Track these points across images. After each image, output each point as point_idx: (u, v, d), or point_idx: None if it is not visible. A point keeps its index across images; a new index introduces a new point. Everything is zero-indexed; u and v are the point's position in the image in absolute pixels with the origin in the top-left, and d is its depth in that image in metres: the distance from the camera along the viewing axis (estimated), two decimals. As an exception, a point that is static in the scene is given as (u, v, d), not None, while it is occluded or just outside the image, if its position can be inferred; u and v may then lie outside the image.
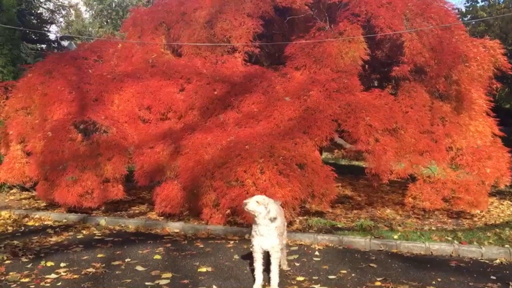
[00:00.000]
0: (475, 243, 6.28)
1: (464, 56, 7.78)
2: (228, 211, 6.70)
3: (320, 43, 7.97)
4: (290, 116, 7.27)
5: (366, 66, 8.49)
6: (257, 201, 4.52)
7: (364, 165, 12.79)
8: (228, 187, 6.62)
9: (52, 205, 8.28)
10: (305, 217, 7.46)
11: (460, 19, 17.47)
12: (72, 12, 37.99)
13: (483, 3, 18.20)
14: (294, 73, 7.88)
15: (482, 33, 14.94)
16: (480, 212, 8.05)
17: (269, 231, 4.53)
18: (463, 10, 18.51)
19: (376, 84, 10.75)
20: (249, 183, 6.50)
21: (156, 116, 7.89)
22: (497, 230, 6.96)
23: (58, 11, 32.76)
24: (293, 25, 9.84)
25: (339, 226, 7.21)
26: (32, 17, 20.76)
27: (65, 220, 7.59)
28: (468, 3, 18.28)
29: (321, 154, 9.18)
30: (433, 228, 7.22)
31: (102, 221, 7.37)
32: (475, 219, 7.86)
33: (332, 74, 7.67)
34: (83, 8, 42.99)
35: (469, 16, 17.98)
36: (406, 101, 7.86)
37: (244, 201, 4.57)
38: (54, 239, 6.53)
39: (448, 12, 8.44)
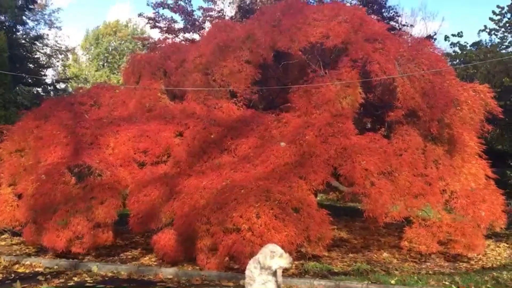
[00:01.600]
0: (472, 287, 6.19)
1: (456, 100, 7.93)
2: (227, 258, 6.62)
3: (319, 88, 8.09)
4: (286, 161, 7.29)
5: (360, 109, 8.59)
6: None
7: (359, 207, 12.77)
8: (224, 233, 6.55)
9: (43, 251, 8.12)
10: (301, 262, 7.35)
11: (450, 63, 17.93)
12: (70, 56, 38.58)
13: (471, 48, 18.67)
14: (290, 117, 7.96)
15: (471, 76, 15.28)
16: (477, 255, 7.99)
17: (267, 279, 4.39)
18: (453, 53, 18.98)
19: (369, 126, 10.88)
20: (245, 228, 6.45)
21: (152, 159, 7.90)
22: (495, 273, 6.88)
23: (55, 55, 33.32)
24: (287, 70, 10.04)
25: (336, 270, 7.11)
26: (29, 61, 21.04)
27: (56, 267, 7.42)
28: (456, 47, 18.75)
29: (316, 196, 9.17)
30: (430, 272, 7.15)
31: (94, 267, 7.21)
32: (472, 262, 7.80)
33: (329, 118, 7.75)
34: (80, 52, 43.85)
35: (458, 60, 18.41)
36: (400, 144, 7.93)
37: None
38: (44, 286, 6.36)
39: (438, 57, 8.66)
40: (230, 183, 6.88)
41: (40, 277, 6.79)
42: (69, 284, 6.52)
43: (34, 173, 7.86)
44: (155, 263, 7.52)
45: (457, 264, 7.65)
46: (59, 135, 8.17)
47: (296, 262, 7.29)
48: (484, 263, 7.76)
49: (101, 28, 43.29)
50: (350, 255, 8.26)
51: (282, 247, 6.38)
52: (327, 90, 7.88)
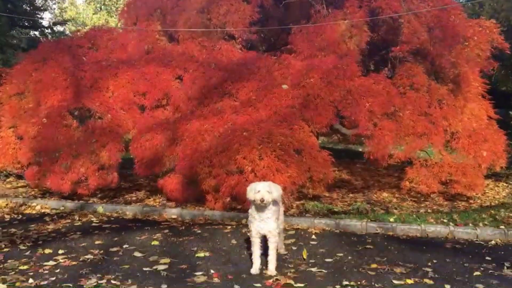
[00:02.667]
0: (470, 224, 6.32)
1: (462, 37, 7.75)
2: (228, 199, 6.74)
3: (322, 29, 7.88)
4: (288, 104, 7.24)
5: (366, 49, 8.43)
6: (268, 191, 4.43)
7: (360, 149, 12.83)
8: (227, 175, 6.63)
9: (48, 193, 8.27)
10: (302, 202, 7.48)
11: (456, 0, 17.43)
12: (65, -1, 37.59)
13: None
14: (292, 60, 7.81)
15: (477, 14, 14.88)
16: (476, 194, 8.10)
17: (266, 216, 4.54)
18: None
19: (372, 68, 10.72)
20: (248, 170, 6.52)
21: (151, 103, 7.85)
22: (493, 211, 7.00)
23: (51, -3, 32.40)
24: (289, 10, 9.76)
25: (336, 210, 7.24)
26: (24, 4, 20.47)
27: (63, 208, 7.59)
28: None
29: (317, 139, 9.20)
30: (429, 210, 7.27)
31: (100, 208, 7.38)
32: (471, 201, 7.91)
33: (334, 60, 7.61)
34: (77, -6, 42.62)
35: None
36: (404, 82, 7.84)
37: (258, 195, 4.41)
38: (51, 226, 6.53)
39: (445, -8, 8.38)
40: (232, 126, 6.88)
41: (47, 218, 6.96)
42: (75, 224, 6.68)
43: (35, 116, 7.87)
44: (159, 204, 7.67)
45: (456, 203, 7.77)
46: (58, 78, 8.08)
47: (297, 202, 7.42)
48: (483, 202, 7.87)
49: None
50: (351, 195, 8.39)
51: (285, 188, 6.56)
52: (331, 31, 7.68)
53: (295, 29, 8.13)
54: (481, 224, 6.32)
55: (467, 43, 7.77)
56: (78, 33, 9.66)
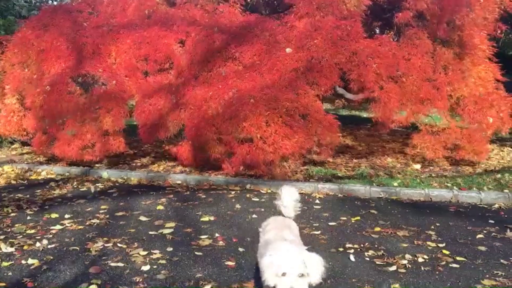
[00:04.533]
0: (474, 188, 6.35)
1: (467, 0, 7.55)
2: (242, 167, 6.80)
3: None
4: (293, 67, 7.14)
5: (368, 12, 8.25)
6: (300, 274, 2.43)
7: (364, 115, 12.73)
8: (237, 144, 6.68)
9: (53, 159, 8.32)
10: (306, 167, 7.50)
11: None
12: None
13: None
14: (295, 21, 7.65)
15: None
16: (479, 161, 8.06)
17: None
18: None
19: (378, 32, 10.52)
20: (257, 136, 6.55)
21: (155, 67, 7.75)
22: (497, 176, 7.02)
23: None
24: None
25: (340, 175, 7.27)
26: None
27: (68, 174, 7.66)
28: None
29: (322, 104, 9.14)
30: (433, 175, 7.27)
31: (105, 174, 7.43)
32: (475, 166, 7.88)
33: (336, 21, 7.45)
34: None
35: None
36: (408, 48, 7.68)
37: (283, 282, 2.41)
38: (57, 192, 6.61)
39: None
40: (237, 92, 6.83)
41: (52, 183, 7.04)
42: (81, 189, 6.76)
43: (39, 86, 7.82)
44: (164, 170, 7.71)
45: (460, 168, 7.75)
46: (60, 46, 7.98)
47: (301, 168, 7.45)
48: (487, 166, 7.85)
49: None
50: (355, 160, 8.38)
51: (293, 153, 6.57)
52: (331, -11, 7.50)
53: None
54: (485, 188, 6.34)
55: (472, 7, 7.57)
56: (78, -2, 9.44)
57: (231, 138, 6.67)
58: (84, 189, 6.78)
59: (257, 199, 6.10)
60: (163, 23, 7.90)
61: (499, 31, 8.34)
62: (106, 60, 7.85)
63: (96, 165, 8.01)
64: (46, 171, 7.75)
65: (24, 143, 9.68)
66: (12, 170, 7.80)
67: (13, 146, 9.96)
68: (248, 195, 6.26)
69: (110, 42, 7.93)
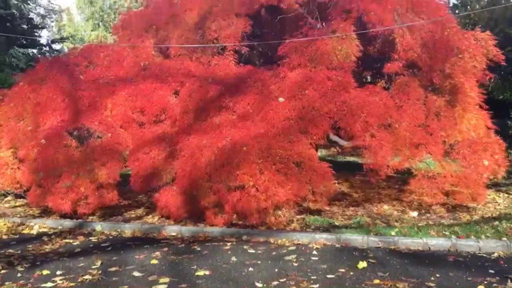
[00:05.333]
0: (472, 237, 6.29)
1: (457, 49, 7.76)
2: (234, 215, 6.73)
3: (313, 41, 7.92)
4: (285, 116, 7.24)
5: (359, 62, 8.45)
6: None
7: (360, 161, 12.78)
8: (228, 191, 6.62)
9: (47, 212, 8.22)
10: (302, 216, 7.44)
11: (451, 12, 17.54)
12: (64, 16, 37.81)
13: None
14: (288, 72, 7.84)
15: (473, 23, 14.93)
16: (478, 205, 8.05)
17: None
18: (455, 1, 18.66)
19: (369, 80, 10.74)
20: (250, 184, 6.51)
21: (150, 119, 7.83)
22: (495, 223, 6.97)
23: (49, 16, 32.64)
24: (285, 24, 9.80)
25: (337, 224, 7.19)
26: (22, 22, 20.61)
27: (61, 227, 7.53)
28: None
29: (316, 151, 9.17)
30: (430, 222, 7.21)
31: (98, 227, 7.32)
32: (472, 212, 7.86)
33: (327, 72, 7.64)
34: (75, 11, 42.93)
35: (459, 10, 18.04)
36: (400, 96, 7.84)
37: None
38: (49, 246, 6.47)
39: (439, 5, 8.43)
40: (231, 141, 6.86)
41: (45, 238, 6.90)
42: (74, 243, 6.63)
43: (34, 139, 7.83)
44: (159, 221, 7.61)
45: (457, 214, 7.71)
46: (56, 99, 8.07)
47: (297, 217, 7.39)
48: (484, 212, 7.82)
49: (96, -14, 42.14)
50: (351, 208, 8.33)
51: (287, 201, 6.53)
52: (321, 43, 7.71)
53: (289, 43, 8.13)
54: (483, 236, 6.28)
55: (461, 56, 7.78)
56: (74, 51, 9.61)
57: (221, 186, 6.62)
58: (77, 242, 6.65)
59: (253, 251, 6.00)
60: (158, 75, 8.03)
61: (487, 78, 8.53)
62: (102, 112, 7.91)
63: (90, 217, 7.90)
64: (38, 225, 7.63)
65: (18, 196, 9.56)
66: (4, 224, 7.67)
67: (6, 199, 9.84)
68: (244, 247, 6.16)
69: (106, 95, 8.03)
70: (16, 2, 19.48)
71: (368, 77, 10.59)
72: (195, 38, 8.52)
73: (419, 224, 7.05)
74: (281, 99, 7.36)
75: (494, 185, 9.69)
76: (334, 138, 8.25)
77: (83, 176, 7.48)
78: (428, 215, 7.75)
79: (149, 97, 7.74)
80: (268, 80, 7.69)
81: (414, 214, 7.77)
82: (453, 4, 19.01)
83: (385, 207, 8.39)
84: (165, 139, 7.44)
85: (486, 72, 8.31)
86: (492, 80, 9.21)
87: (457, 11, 17.66)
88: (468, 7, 16.67)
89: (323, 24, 8.28)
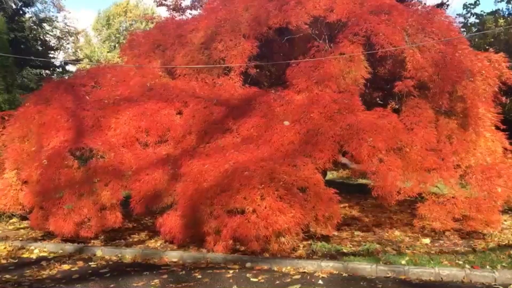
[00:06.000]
0: (487, 267, 5.96)
1: (469, 71, 7.54)
2: (231, 241, 6.48)
3: (320, 64, 7.78)
4: (290, 140, 7.07)
5: (368, 84, 8.27)
6: None
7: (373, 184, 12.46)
8: (228, 216, 6.40)
9: (49, 235, 8.06)
10: (309, 242, 7.17)
11: (465, 32, 17.35)
12: (81, 38, 38.46)
13: (488, 16, 18.04)
14: (294, 95, 7.69)
15: (489, 45, 14.69)
16: (493, 231, 7.70)
17: None
18: (471, 21, 18.49)
19: (381, 102, 10.51)
20: (250, 210, 6.29)
21: (154, 139, 7.72)
22: (511, 251, 6.62)
23: (65, 38, 33.21)
24: (294, 45, 9.70)
25: (345, 250, 6.92)
26: (37, 44, 20.92)
27: (61, 251, 7.36)
28: (473, 17, 18.18)
29: (326, 174, 8.95)
30: (443, 249, 6.90)
31: (99, 252, 7.13)
32: (488, 239, 7.52)
33: (334, 95, 7.47)
34: (92, 33, 43.76)
35: (474, 30, 17.85)
36: (410, 118, 7.64)
37: None
38: (47, 272, 6.30)
39: (451, 26, 8.24)
40: (234, 165, 6.67)
41: (43, 262, 6.74)
42: (72, 269, 6.45)
43: (37, 160, 7.76)
44: (161, 246, 7.41)
45: (471, 242, 7.38)
46: (60, 119, 8.01)
47: (304, 243, 7.13)
48: (500, 240, 7.47)
49: (112, 8, 43.02)
50: (361, 234, 8.05)
51: (288, 229, 6.28)
52: (329, 65, 7.55)
53: (292, 64, 8.00)
54: (499, 266, 5.95)
55: (472, 79, 7.55)
56: (81, 72, 9.62)
57: (222, 211, 6.40)
58: (76, 268, 6.47)
59: (256, 279, 5.75)
60: (163, 95, 7.94)
61: (499, 102, 8.29)
62: (106, 132, 7.81)
63: (92, 241, 7.73)
64: (39, 249, 7.46)
65: (23, 218, 9.46)
66: (4, 248, 7.52)
67: (11, 221, 9.73)
68: (247, 275, 5.92)
69: (110, 115, 7.95)
70: (31, 25, 19.83)
71: (378, 99, 10.37)
72: (201, 58, 8.43)
73: (432, 252, 6.76)
74: (286, 123, 7.19)
75: (511, 210, 9.31)
76: (344, 160, 8.02)
77: (85, 197, 7.34)
78: (441, 241, 7.44)
79: (153, 117, 7.64)
80: (273, 102, 7.54)
81: (427, 240, 7.47)
82: (470, 23, 18.82)
83: (397, 232, 8.09)
84: (168, 161, 7.29)
85: (499, 96, 8.07)
86: (506, 103, 8.91)
87: (473, 30, 17.46)
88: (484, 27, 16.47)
89: (331, 45, 8.14)
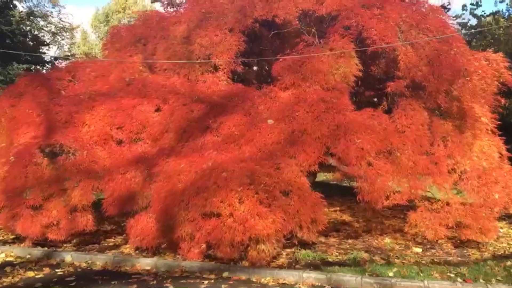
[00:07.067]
0: (481, 280, 5.56)
1: (465, 70, 7.10)
2: (204, 245, 6.02)
3: (309, 59, 7.33)
4: (274, 140, 6.63)
5: (359, 82, 7.84)
6: None
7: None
8: (203, 219, 5.95)
9: (21, 238, 7.59)
10: (293, 250, 6.75)
11: (466, 32, 16.98)
12: (76, 34, 37.96)
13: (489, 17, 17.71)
14: (279, 92, 7.25)
15: (489, 45, 14.28)
16: (488, 240, 7.28)
17: None
18: (471, 22, 18.24)
19: (375, 101, 10.08)
20: (226, 213, 5.83)
21: (129, 136, 7.28)
22: (507, 263, 6.21)
23: (59, 34, 32.73)
24: (284, 41, 9.27)
25: (330, 259, 6.51)
26: (26, 38, 20.41)
27: (29, 256, 6.91)
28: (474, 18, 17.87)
29: (315, 176, 8.52)
30: (435, 260, 6.49)
31: (68, 257, 6.68)
32: (483, 248, 7.12)
33: (322, 93, 7.04)
34: (90, 30, 43.23)
35: (474, 30, 17.49)
36: (402, 120, 7.19)
37: None
38: (9, 279, 5.87)
39: (446, 24, 7.81)
40: (212, 165, 6.23)
41: (7, 269, 6.30)
42: (37, 276, 6.03)
43: (5, 156, 7.33)
44: (135, 252, 6.96)
45: (465, 251, 6.98)
46: (32, 114, 7.58)
47: (287, 250, 6.72)
48: (496, 249, 7.07)
49: (111, 5, 42.51)
50: (349, 241, 7.64)
51: (268, 235, 5.84)
52: (318, 61, 7.10)
53: (283, 60, 7.55)
54: (493, 280, 5.54)
55: (469, 78, 7.10)
56: (60, 66, 9.19)
57: (197, 215, 5.94)
58: (41, 275, 6.02)
59: (232, 291, 5.32)
60: (141, 90, 7.50)
61: (498, 105, 7.86)
62: (79, 129, 7.36)
63: (65, 245, 7.30)
64: (5, 253, 7.01)
65: None
66: (-30, 252, 7.09)
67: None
68: (222, 286, 5.49)
69: (85, 110, 7.50)
70: (19, 19, 19.31)
71: (375, 99, 9.93)
72: (183, 52, 7.95)
73: (423, 262, 6.37)
74: (270, 121, 6.74)
75: (508, 217, 8.88)
76: (334, 162, 7.58)
77: (55, 198, 6.91)
78: (433, 250, 7.04)
79: (129, 112, 7.21)
80: (257, 99, 7.10)
81: (418, 249, 7.07)
82: (470, 25, 18.51)
83: (387, 240, 7.68)
84: (143, 160, 6.85)
85: (498, 97, 7.65)
86: (505, 105, 8.46)
87: (472, 31, 17.10)
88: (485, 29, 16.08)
89: (321, 41, 7.70)
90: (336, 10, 7.55)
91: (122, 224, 8.71)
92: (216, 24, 7.95)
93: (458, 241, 7.27)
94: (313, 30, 7.99)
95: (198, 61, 7.69)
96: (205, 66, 7.77)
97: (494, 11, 18.28)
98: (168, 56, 8.07)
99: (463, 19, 18.70)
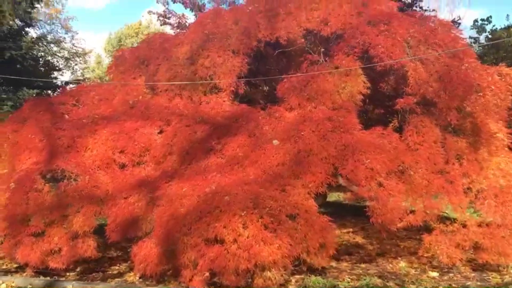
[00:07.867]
0: (500, 309, 5.20)
1: (477, 85, 6.87)
2: (207, 274, 5.77)
3: (314, 78, 7.17)
4: (279, 161, 6.42)
5: (367, 100, 7.63)
6: None
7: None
8: (206, 245, 5.72)
9: (22, 267, 7.40)
10: (302, 276, 6.45)
11: (479, 47, 16.78)
12: (89, 58, 38.59)
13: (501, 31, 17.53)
14: (284, 112, 7.09)
15: (502, 59, 14.04)
16: (507, 264, 6.91)
17: None
18: (481, 39, 18.09)
19: (385, 119, 9.84)
20: (230, 240, 5.60)
21: (132, 159, 7.15)
22: (529, 288, 5.84)
23: (72, 59, 33.26)
24: (290, 59, 9.13)
25: (341, 286, 6.20)
26: (37, 63, 20.67)
27: (30, 286, 6.66)
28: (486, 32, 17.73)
29: (325, 198, 8.28)
30: (452, 285, 6.16)
31: (70, 287, 6.46)
32: (503, 271, 6.74)
33: (327, 112, 6.86)
34: (103, 54, 43.93)
35: (487, 47, 17.34)
36: (414, 138, 6.95)
37: None
38: (7, 312, 5.65)
39: (456, 38, 7.59)
40: (215, 188, 6.03)
41: (7, 299, 6.09)
42: (35, 307, 5.79)
43: (7, 183, 7.21)
44: (140, 280, 6.72)
45: (485, 274, 6.63)
46: (34, 139, 7.49)
47: (296, 277, 6.42)
48: (517, 272, 6.69)
49: (123, 29, 43.17)
50: (362, 265, 7.31)
51: (274, 262, 5.58)
52: (323, 80, 6.94)
53: (288, 80, 7.40)
54: (516, 307, 5.17)
55: (481, 93, 6.86)
56: (64, 90, 9.16)
57: (200, 240, 5.72)
58: (38, 306, 5.81)
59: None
60: (144, 113, 7.39)
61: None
62: (82, 153, 7.26)
63: (68, 273, 7.08)
64: (6, 283, 6.80)
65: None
66: (-32, 283, 6.90)
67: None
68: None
69: (87, 134, 7.41)
70: (31, 44, 19.60)
71: (382, 117, 9.70)
72: (185, 74, 7.85)
73: (439, 287, 5.98)
74: (275, 142, 6.54)
75: (529, 238, 8.47)
76: (344, 183, 7.34)
77: (56, 224, 6.74)
78: (450, 274, 6.70)
79: (131, 136, 7.09)
80: (262, 120, 6.93)
81: (435, 274, 6.72)
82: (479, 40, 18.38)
83: (402, 263, 7.34)
84: (146, 184, 6.69)
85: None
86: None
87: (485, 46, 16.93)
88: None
89: (326, 59, 7.54)
90: (341, 29, 7.43)
91: (128, 250, 8.51)
92: (220, 45, 7.87)
93: (477, 264, 6.93)
94: (319, 48, 7.83)
95: (200, 82, 7.57)
96: (208, 87, 7.64)
97: (506, 25, 18.13)
98: (168, 77, 7.98)
99: (476, 34, 18.60)
